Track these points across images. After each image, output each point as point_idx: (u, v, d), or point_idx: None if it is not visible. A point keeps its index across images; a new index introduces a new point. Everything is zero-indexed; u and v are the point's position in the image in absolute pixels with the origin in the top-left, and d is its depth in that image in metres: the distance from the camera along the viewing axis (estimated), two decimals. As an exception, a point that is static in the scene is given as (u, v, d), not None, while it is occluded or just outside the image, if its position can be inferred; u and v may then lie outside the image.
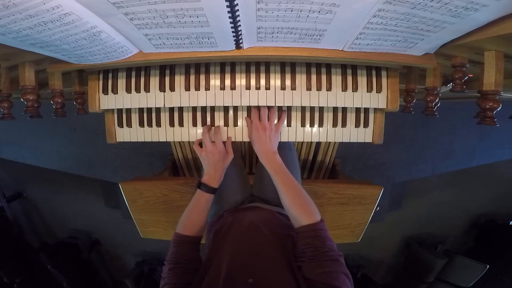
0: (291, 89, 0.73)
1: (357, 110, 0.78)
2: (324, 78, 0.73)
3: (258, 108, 0.77)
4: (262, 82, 0.73)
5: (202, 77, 0.74)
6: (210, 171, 0.78)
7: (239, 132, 0.80)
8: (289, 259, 0.61)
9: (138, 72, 0.76)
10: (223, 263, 0.61)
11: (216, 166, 0.78)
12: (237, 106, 0.78)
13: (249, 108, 0.79)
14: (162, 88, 0.74)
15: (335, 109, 0.79)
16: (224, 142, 0.79)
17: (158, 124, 0.81)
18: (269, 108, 0.77)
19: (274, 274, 0.57)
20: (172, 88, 0.74)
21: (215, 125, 0.80)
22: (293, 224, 0.68)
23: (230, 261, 0.61)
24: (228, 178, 0.93)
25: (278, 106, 0.78)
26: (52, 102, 0.78)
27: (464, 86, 0.67)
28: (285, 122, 0.79)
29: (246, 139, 0.80)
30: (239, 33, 0.51)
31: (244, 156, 1.49)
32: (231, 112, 0.79)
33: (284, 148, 1.00)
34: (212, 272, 0.60)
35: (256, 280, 0.55)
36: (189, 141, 1.25)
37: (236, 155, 0.98)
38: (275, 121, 0.78)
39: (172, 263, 0.68)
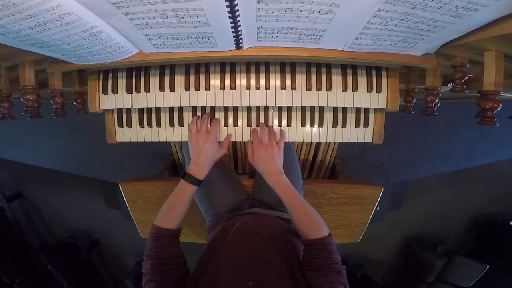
0: (291, 89, 0.73)
1: (357, 110, 0.78)
2: (324, 78, 0.73)
3: (263, 125, 0.77)
4: (262, 82, 0.73)
5: (202, 77, 0.74)
6: (198, 160, 0.74)
7: (239, 132, 0.79)
8: (288, 264, 0.62)
9: (138, 72, 0.76)
10: (222, 266, 0.61)
11: (204, 154, 0.74)
12: (237, 106, 0.78)
13: (249, 108, 0.79)
14: (162, 88, 0.74)
15: (335, 109, 0.79)
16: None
17: (158, 124, 0.81)
18: (268, 126, 0.76)
19: (273, 278, 0.58)
20: (172, 88, 0.74)
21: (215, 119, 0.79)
22: (302, 236, 0.69)
23: (230, 264, 0.61)
24: (214, 181, 0.93)
25: (278, 107, 0.78)
26: (52, 102, 0.78)
27: (464, 86, 0.67)
28: (285, 122, 0.79)
29: (246, 138, 0.80)
30: (239, 33, 0.51)
31: (245, 156, 1.49)
32: (231, 112, 0.79)
33: (284, 148, 1.00)
34: (209, 274, 0.60)
35: (256, 283, 0.55)
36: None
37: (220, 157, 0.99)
38: (276, 139, 0.76)
39: (155, 259, 0.66)
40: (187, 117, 0.80)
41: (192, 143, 0.75)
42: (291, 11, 0.45)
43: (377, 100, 0.75)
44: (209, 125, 0.76)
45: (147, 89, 0.75)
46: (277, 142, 0.76)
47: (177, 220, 0.73)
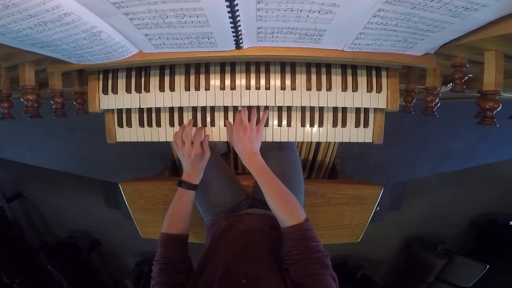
0: (291, 89, 0.73)
1: (357, 110, 0.78)
2: (324, 78, 0.73)
3: (246, 108, 0.76)
4: (262, 82, 0.73)
5: (202, 77, 0.74)
6: (188, 169, 0.79)
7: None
8: (280, 262, 0.62)
9: (138, 72, 0.76)
10: (218, 265, 0.62)
11: (193, 165, 0.79)
12: (237, 106, 0.78)
13: (249, 109, 0.79)
14: (162, 88, 0.74)
15: (335, 109, 0.78)
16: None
17: (158, 124, 0.81)
18: (251, 108, 0.76)
19: (266, 276, 0.58)
20: (172, 88, 0.74)
21: (214, 125, 0.79)
22: (280, 224, 0.68)
23: (225, 263, 0.62)
24: (213, 182, 0.94)
25: (278, 107, 0.78)
26: (52, 102, 0.78)
27: (464, 86, 0.67)
28: (285, 122, 0.79)
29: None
30: (239, 33, 0.51)
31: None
32: (231, 112, 0.79)
33: (287, 148, 1.00)
34: (207, 273, 0.61)
35: (249, 281, 0.56)
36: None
37: (218, 158, 1.00)
38: (256, 122, 0.77)
39: (162, 263, 0.68)
40: (187, 117, 0.80)
41: (179, 154, 0.79)
42: (291, 11, 0.45)
43: (377, 100, 0.75)
44: (192, 136, 0.78)
45: (147, 89, 0.75)
46: (257, 124, 0.76)
47: (181, 226, 0.76)
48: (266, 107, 0.79)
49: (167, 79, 0.74)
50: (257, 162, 0.75)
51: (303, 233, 0.63)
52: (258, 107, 0.79)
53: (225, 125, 0.79)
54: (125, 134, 0.82)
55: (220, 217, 0.91)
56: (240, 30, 0.50)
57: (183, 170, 0.81)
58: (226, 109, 0.79)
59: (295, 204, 0.69)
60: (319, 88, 0.73)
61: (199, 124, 0.80)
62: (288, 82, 0.73)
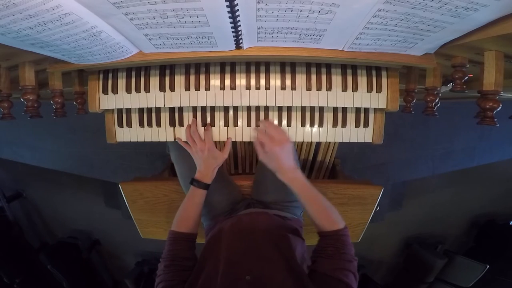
0: (291, 89, 0.73)
1: (357, 110, 0.78)
2: (324, 78, 0.73)
3: (264, 120, 0.76)
4: (262, 82, 0.73)
5: (202, 77, 0.74)
6: (202, 168, 0.79)
7: (239, 132, 0.79)
8: (285, 257, 0.62)
9: (138, 72, 0.76)
10: (220, 261, 0.62)
11: (207, 163, 0.78)
12: (237, 106, 0.78)
13: (249, 108, 0.79)
14: (162, 88, 0.74)
15: (335, 109, 0.79)
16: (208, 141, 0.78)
17: (158, 124, 0.81)
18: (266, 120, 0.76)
19: (271, 272, 0.58)
20: (172, 88, 0.74)
21: (214, 125, 0.79)
22: (317, 228, 0.70)
23: (227, 259, 0.62)
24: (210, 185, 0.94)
25: (278, 107, 0.78)
26: (52, 102, 0.78)
27: (464, 86, 0.67)
28: (285, 122, 0.79)
29: (246, 139, 0.80)
30: (239, 33, 0.51)
31: (244, 156, 1.49)
32: (231, 112, 0.79)
33: None
34: (209, 270, 0.61)
35: (253, 277, 0.56)
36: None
37: None
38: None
39: (169, 260, 0.68)
40: (187, 117, 0.80)
41: (193, 154, 0.79)
42: (291, 11, 0.45)
43: (377, 100, 0.75)
44: (202, 135, 0.78)
45: (147, 89, 0.75)
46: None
47: (190, 224, 0.77)
48: (266, 107, 0.79)
49: (167, 79, 0.75)
50: (300, 179, 0.71)
51: (341, 237, 0.66)
52: (258, 109, 0.79)
53: (227, 126, 0.79)
54: (125, 134, 0.82)
55: (218, 220, 0.91)
56: (240, 30, 0.50)
57: (197, 169, 0.81)
58: (226, 109, 0.79)
59: (335, 214, 0.70)
60: (319, 88, 0.73)
61: (199, 124, 0.80)
62: (288, 82, 0.73)
